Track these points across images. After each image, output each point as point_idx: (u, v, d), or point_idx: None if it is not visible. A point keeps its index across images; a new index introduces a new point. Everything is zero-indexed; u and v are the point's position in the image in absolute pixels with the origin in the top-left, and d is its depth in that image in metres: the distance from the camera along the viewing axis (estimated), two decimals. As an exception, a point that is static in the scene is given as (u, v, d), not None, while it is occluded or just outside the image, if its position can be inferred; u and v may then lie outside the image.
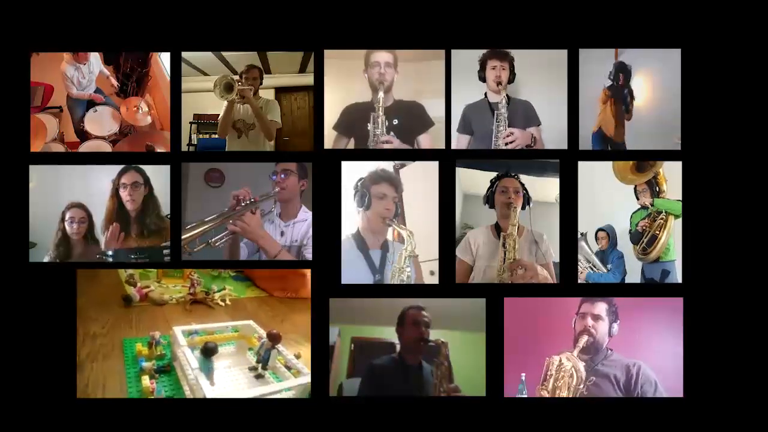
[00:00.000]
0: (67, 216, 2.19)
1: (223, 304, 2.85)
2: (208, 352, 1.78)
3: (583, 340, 1.93)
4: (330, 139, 2.16)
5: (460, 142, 2.18)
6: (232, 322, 2.34)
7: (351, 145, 2.19)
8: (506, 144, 2.16)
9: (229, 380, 1.95)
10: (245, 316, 2.53)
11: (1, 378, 2.02)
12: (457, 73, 2.13)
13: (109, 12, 2.07)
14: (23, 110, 2.09)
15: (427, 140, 2.19)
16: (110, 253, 2.16)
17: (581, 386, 1.90)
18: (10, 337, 2.02)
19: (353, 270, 2.07)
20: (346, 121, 2.17)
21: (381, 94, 2.16)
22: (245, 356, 2.16)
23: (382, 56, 2.17)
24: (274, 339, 1.97)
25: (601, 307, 1.98)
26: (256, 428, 2.00)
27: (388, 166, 2.14)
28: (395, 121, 2.19)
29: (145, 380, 1.85)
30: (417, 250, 2.06)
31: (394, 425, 2.03)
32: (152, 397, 1.81)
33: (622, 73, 2.14)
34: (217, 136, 2.33)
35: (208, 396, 1.65)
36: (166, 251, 2.12)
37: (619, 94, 2.14)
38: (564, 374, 1.91)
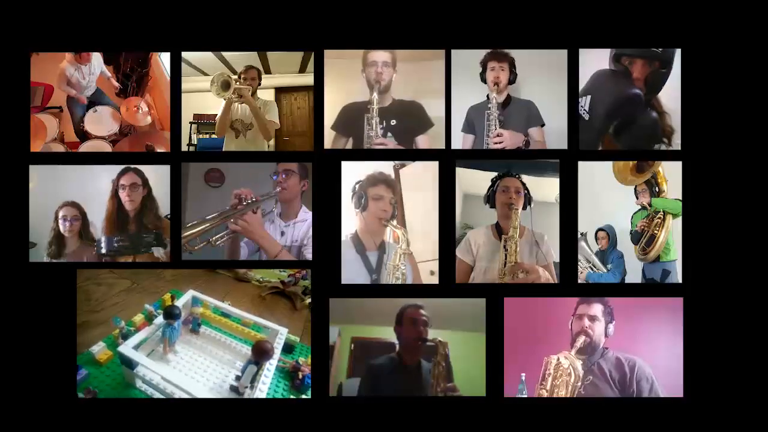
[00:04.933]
0: (60, 214, 2.19)
1: None
2: (170, 314, 1.88)
3: (581, 340, 1.93)
4: (329, 138, 2.16)
5: (465, 141, 2.19)
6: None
7: (350, 144, 2.19)
8: (494, 144, 2.16)
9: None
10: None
11: (1, 378, 2.02)
12: (461, 75, 2.13)
13: (109, 12, 2.07)
14: (23, 110, 2.09)
15: (425, 141, 2.19)
16: (102, 243, 2.16)
17: (579, 384, 1.90)
18: (10, 337, 2.03)
19: (351, 271, 2.07)
20: (344, 121, 2.17)
21: (375, 96, 2.16)
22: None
23: (380, 55, 2.16)
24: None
25: (597, 308, 1.98)
26: (256, 428, 2.00)
27: (388, 165, 2.14)
28: (393, 122, 2.18)
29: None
30: (412, 248, 2.05)
31: (394, 425, 2.03)
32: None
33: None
34: (214, 135, 2.33)
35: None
36: (148, 240, 2.14)
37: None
38: (562, 373, 1.91)
